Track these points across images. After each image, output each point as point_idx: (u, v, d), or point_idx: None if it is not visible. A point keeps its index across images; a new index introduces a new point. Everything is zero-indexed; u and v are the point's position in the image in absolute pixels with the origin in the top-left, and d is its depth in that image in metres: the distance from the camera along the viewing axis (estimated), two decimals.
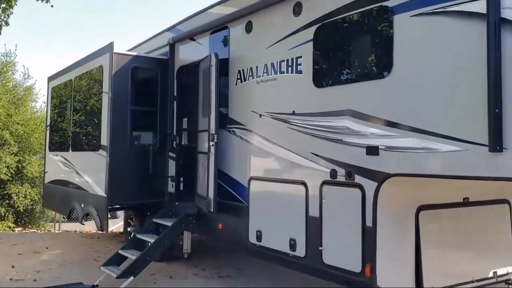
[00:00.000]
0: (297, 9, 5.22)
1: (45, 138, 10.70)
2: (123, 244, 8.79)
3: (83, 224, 8.95)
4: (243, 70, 6.08)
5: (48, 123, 10.47)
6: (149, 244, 6.77)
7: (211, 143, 6.19)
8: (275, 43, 5.54)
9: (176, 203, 7.45)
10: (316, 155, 4.91)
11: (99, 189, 7.60)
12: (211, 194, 6.19)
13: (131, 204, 8.04)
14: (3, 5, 8.15)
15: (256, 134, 5.80)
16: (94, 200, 7.79)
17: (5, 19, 8.19)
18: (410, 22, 4.07)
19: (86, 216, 8.34)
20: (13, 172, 12.43)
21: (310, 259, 4.95)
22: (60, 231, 12.01)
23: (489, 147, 3.45)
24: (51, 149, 10.22)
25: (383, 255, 4.34)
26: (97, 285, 6.30)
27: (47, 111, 10.80)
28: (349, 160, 4.54)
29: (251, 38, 6.01)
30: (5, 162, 12.09)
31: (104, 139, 7.47)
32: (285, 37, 5.39)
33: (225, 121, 6.27)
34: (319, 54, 4.99)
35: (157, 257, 6.85)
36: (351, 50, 4.80)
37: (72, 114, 9.06)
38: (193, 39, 7.27)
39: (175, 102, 7.65)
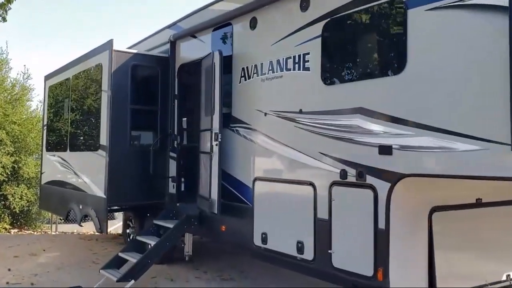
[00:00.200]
0: (305, 4, 5.06)
1: (42, 138, 10.50)
2: (122, 246, 8.63)
3: (81, 226, 8.76)
4: (247, 67, 5.91)
5: (45, 123, 10.27)
6: (150, 246, 6.60)
7: (214, 143, 6.02)
8: (281, 40, 5.38)
9: (177, 204, 7.28)
10: (325, 154, 4.74)
11: (98, 190, 7.42)
12: (214, 195, 6.01)
13: (131, 205, 7.86)
14: (1, 0, 7.94)
15: (261, 133, 5.63)
16: (93, 201, 7.60)
17: (3, 15, 7.97)
18: (425, 17, 3.92)
19: (85, 218, 8.15)
20: (9, 173, 12.22)
21: (319, 262, 4.79)
22: (57, 232, 11.80)
23: (511, 146, 3.29)
24: (48, 149, 10.02)
25: (396, 258, 4.18)
26: None
27: (44, 111, 10.60)
28: (360, 160, 4.38)
29: (255, 35, 5.84)
30: (1, 162, 11.87)
31: (104, 139, 7.29)
32: (291, 33, 5.22)
33: (228, 120, 6.11)
34: (328, 50, 4.83)
35: (158, 259, 6.67)
36: (362, 46, 4.64)
37: (70, 113, 8.87)
38: (194, 36, 7.10)
39: (176, 101, 7.47)
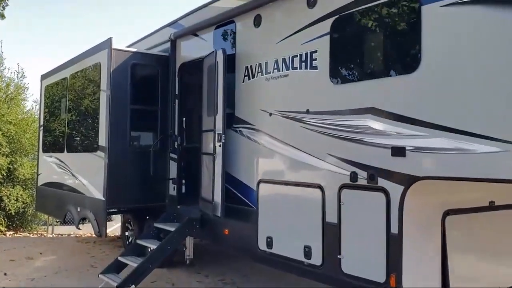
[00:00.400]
0: (312, 1, 4.90)
1: (38, 139, 10.29)
2: (120, 249, 8.48)
3: (79, 229, 8.57)
4: (251, 66, 5.75)
5: (41, 123, 10.07)
6: (151, 250, 6.44)
7: (218, 144, 5.84)
8: (286, 37, 5.22)
9: (178, 207, 7.11)
10: (334, 156, 4.58)
11: (96, 192, 7.23)
12: (217, 198, 5.84)
13: (131, 207, 7.66)
14: None
15: (266, 134, 5.47)
16: (92, 203, 7.42)
17: (0, 11, 7.78)
18: (440, 13, 3.77)
19: (83, 221, 7.96)
20: (5, 174, 12.01)
21: (328, 268, 4.63)
22: (54, 235, 11.60)
23: None
24: (44, 150, 9.82)
25: (409, 264, 4.03)
26: None
27: (40, 111, 10.39)
28: (372, 162, 4.22)
29: (260, 33, 5.68)
30: None
31: (103, 140, 7.11)
32: (298, 31, 5.06)
33: (231, 121, 5.94)
34: (337, 48, 4.66)
35: (159, 264, 6.49)
36: (373, 43, 4.47)
37: (67, 113, 8.68)
38: (196, 35, 6.93)
39: (176, 100, 7.30)
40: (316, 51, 4.83)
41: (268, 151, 5.45)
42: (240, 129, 5.86)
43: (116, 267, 6.45)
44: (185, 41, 7.22)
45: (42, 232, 12.23)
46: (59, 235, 11.36)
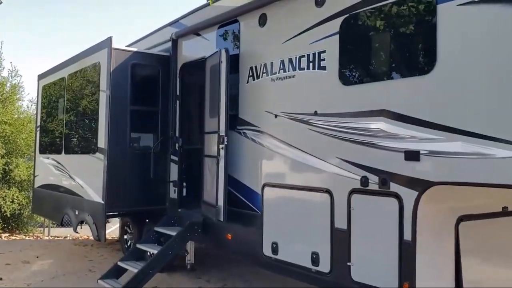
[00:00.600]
0: (320, 0, 4.75)
1: (35, 140, 10.09)
2: (118, 252, 8.31)
3: (77, 233, 8.39)
4: (255, 67, 5.60)
5: (38, 124, 9.87)
6: (151, 255, 6.27)
7: (220, 146, 5.68)
8: (293, 37, 5.07)
9: (179, 210, 6.94)
10: (343, 160, 4.43)
11: (95, 195, 7.06)
12: (220, 202, 5.68)
13: (131, 211, 7.48)
14: None
15: (271, 136, 5.31)
16: (90, 206, 7.24)
17: None
18: (456, 12, 3.63)
19: (81, 224, 7.78)
20: (0, 176, 11.80)
21: (336, 275, 4.48)
22: (50, 237, 11.39)
23: None
24: (41, 151, 9.63)
25: (423, 272, 3.88)
26: None
27: (37, 111, 10.20)
28: (384, 166, 4.07)
29: (265, 32, 5.53)
30: None
31: (102, 141, 6.93)
32: (305, 30, 4.92)
33: (235, 122, 5.78)
34: (347, 48, 4.52)
35: (159, 269, 6.32)
36: (385, 44, 4.31)
37: (65, 114, 8.49)
38: (198, 34, 6.77)
39: (177, 101, 7.13)
40: (324, 51, 4.69)
41: (273, 154, 5.29)
42: (244, 131, 5.71)
43: (115, 272, 6.28)
44: (186, 40, 7.05)
45: (38, 234, 12.02)
46: (56, 238, 11.15)
